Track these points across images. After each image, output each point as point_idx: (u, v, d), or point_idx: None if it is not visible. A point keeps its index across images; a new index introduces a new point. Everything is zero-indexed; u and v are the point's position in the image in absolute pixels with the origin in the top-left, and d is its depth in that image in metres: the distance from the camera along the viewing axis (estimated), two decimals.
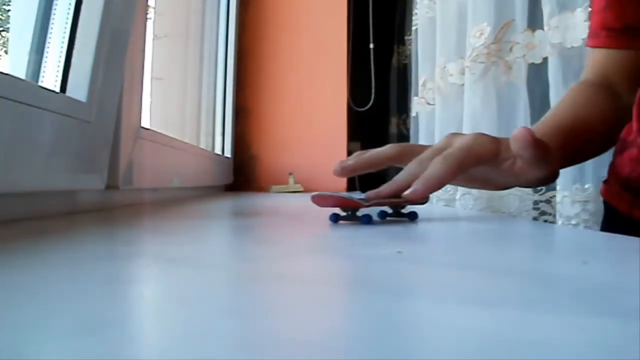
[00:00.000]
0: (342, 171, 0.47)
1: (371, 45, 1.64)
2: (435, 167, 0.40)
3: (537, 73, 0.89)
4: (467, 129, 0.99)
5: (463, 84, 1.02)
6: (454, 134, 0.47)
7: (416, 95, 1.42)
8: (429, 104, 1.25)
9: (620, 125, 0.55)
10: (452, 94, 1.07)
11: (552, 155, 0.44)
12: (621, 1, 0.55)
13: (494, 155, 0.44)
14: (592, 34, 0.60)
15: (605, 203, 0.59)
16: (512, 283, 0.20)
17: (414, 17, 1.44)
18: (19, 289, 0.17)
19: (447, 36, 1.11)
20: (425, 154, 0.44)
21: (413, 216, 0.44)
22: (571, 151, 0.54)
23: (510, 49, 0.94)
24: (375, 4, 1.63)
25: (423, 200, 0.43)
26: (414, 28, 1.44)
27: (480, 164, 0.44)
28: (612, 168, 0.57)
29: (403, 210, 0.44)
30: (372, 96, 1.65)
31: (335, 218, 0.40)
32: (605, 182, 0.59)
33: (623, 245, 0.33)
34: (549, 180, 0.49)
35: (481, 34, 0.96)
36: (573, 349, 0.12)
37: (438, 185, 0.40)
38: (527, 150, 0.41)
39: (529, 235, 0.40)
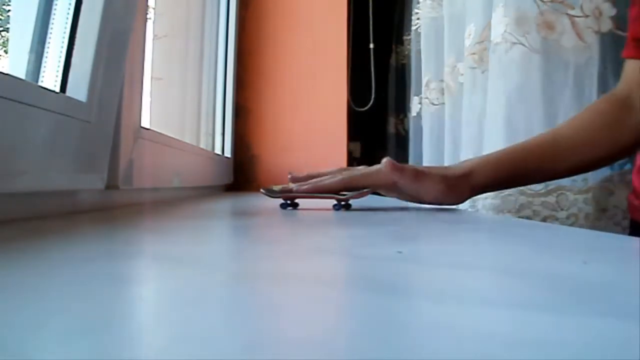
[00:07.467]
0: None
1: (371, 45, 1.64)
2: (331, 179, 0.57)
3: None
4: (474, 128, 0.98)
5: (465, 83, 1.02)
6: (387, 161, 0.59)
7: (417, 95, 1.41)
8: (433, 104, 1.24)
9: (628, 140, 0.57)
10: (462, 94, 1.07)
11: (426, 184, 0.57)
12: None
13: (391, 183, 0.58)
14: (626, 44, 0.59)
15: (632, 221, 0.61)
16: (512, 283, 0.20)
17: (413, 17, 1.44)
18: (19, 289, 0.17)
19: (455, 36, 1.11)
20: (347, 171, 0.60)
21: (337, 207, 0.59)
22: (518, 172, 0.62)
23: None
24: (376, 3, 1.63)
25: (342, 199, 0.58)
26: (413, 28, 1.44)
27: (378, 188, 0.59)
28: (634, 186, 0.59)
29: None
30: (372, 96, 1.64)
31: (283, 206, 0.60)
32: (630, 194, 0.60)
33: (623, 245, 0.33)
34: (443, 202, 0.60)
35: (469, 34, 0.96)
36: (573, 349, 0.12)
37: (323, 190, 0.57)
38: (393, 173, 0.55)
39: (529, 235, 0.40)
